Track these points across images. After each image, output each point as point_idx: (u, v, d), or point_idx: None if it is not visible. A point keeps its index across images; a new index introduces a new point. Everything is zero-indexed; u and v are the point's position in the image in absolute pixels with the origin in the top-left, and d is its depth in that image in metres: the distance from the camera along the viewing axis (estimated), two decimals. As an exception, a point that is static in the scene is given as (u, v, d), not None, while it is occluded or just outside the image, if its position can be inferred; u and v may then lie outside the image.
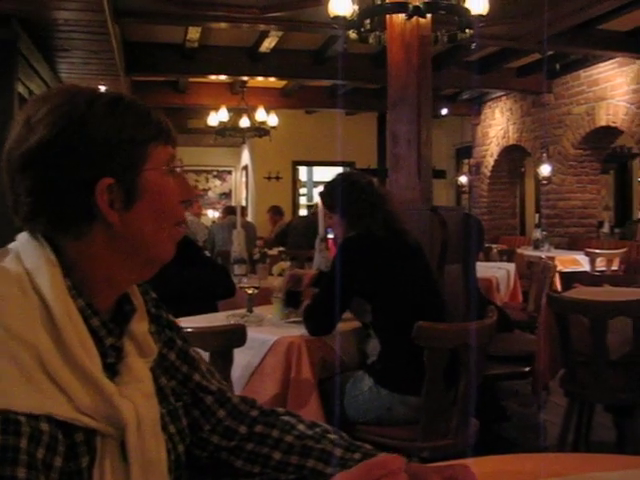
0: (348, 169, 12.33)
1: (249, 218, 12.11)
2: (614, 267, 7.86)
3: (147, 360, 1.05)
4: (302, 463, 1.12)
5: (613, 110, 8.72)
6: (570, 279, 4.48)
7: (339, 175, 3.13)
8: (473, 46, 4.93)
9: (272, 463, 1.14)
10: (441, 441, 2.61)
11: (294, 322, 2.94)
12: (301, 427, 1.17)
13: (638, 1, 6.37)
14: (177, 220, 1.05)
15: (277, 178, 12.95)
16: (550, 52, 8.54)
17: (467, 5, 4.15)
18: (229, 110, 9.92)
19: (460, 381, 2.59)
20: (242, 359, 2.64)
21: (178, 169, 1.06)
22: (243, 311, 3.12)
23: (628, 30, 7.72)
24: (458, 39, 4.35)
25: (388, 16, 4.15)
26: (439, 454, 2.59)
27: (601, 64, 8.92)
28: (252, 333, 2.68)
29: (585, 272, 6.27)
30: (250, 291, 3.09)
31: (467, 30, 4.21)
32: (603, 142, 9.72)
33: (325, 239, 3.41)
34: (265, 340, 2.74)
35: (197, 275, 3.28)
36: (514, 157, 11.61)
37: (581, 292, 3.98)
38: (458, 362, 2.57)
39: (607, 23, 7.27)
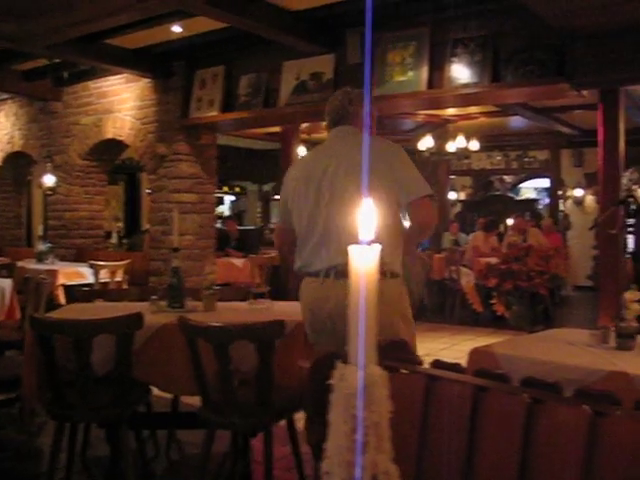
0: None
1: None
2: (118, 278, 8.00)
3: None
4: None
5: (120, 123, 8.90)
6: (71, 294, 4.39)
7: None
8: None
9: None
10: None
11: None
12: None
13: (142, 22, 6.59)
14: None
15: None
16: (58, 60, 8.37)
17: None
18: None
19: None
20: None
21: None
22: None
23: (135, 48, 7.96)
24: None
25: None
26: None
27: (110, 77, 9.01)
28: None
29: (82, 287, 6.20)
30: None
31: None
32: (110, 154, 9.83)
33: None
34: None
35: None
36: (20, 164, 11.16)
37: (71, 309, 3.92)
38: None
39: (116, 39, 7.40)
